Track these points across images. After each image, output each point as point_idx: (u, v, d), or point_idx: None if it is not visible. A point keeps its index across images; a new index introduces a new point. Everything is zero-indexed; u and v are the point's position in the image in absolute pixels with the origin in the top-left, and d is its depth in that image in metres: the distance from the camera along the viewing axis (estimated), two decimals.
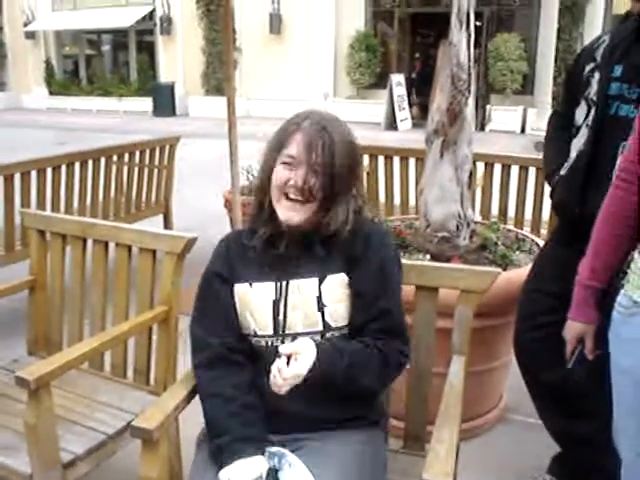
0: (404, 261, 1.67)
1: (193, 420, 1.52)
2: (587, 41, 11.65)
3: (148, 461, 1.46)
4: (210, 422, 1.49)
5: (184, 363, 1.56)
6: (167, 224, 5.00)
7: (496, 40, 13.26)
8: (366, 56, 14.78)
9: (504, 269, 2.42)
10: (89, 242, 2.22)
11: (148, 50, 18.17)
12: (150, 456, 1.46)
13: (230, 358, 1.52)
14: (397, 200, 4.14)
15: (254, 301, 1.53)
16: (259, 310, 1.52)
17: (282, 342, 1.49)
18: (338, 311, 1.50)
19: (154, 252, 2.07)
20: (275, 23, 15.63)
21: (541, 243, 2.75)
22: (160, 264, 2.05)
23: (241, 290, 1.55)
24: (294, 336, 1.49)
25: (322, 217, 1.50)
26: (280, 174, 1.48)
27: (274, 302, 1.51)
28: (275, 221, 1.52)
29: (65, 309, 2.31)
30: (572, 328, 1.76)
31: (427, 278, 1.73)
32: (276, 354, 1.42)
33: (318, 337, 1.48)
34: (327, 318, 1.49)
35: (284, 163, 1.48)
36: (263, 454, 1.39)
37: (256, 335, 1.52)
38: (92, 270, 2.22)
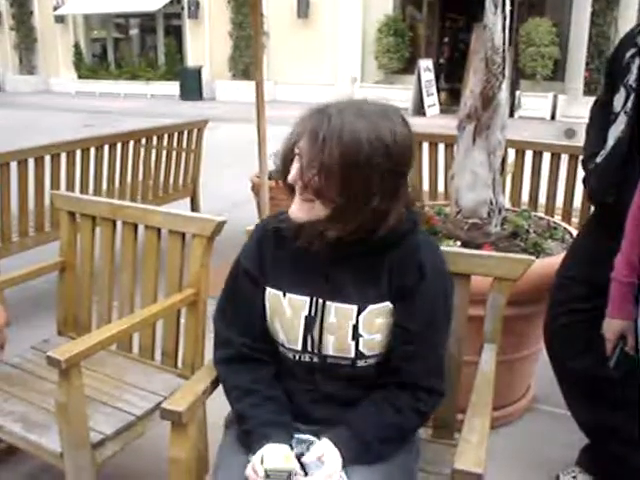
0: None
1: (218, 405, 1.52)
2: (621, 26, 11.40)
3: (177, 443, 1.46)
4: (236, 412, 1.47)
5: (212, 346, 1.55)
6: (194, 207, 5.02)
7: (527, 25, 13.04)
8: (394, 41, 14.63)
9: (536, 257, 2.37)
10: (119, 224, 2.22)
11: (175, 34, 18.19)
12: (179, 438, 1.46)
13: (251, 357, 1.46)
14: (425, 186, 4.09)
15: (286, 313, 1.43)
16: (290, 323, 1.43)
17: (310, 359, 1.42)
18: (374, 340, 1.39)
19: (183, 235, 2.07)
20: (303, 7, 15.54)
21: (573, 231, 2.70)
22: (189, 247, 2.05)
23: (273, 297, 1.45)
24: (324, 357, 1.41)
25: (342, 224, 1.33)
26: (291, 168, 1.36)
27: (306, 318, 1.41)
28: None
29: (94, 291, 2.33)
30: (612, 326, 1.72)
31: (459, 265, 1.70)
32: (303, 367, 1.41)
33: (348, 362, 1.40)
34: (361, 347, 1.39)
35: (295, 157, 1.34)
36: (292, 439, 1.37)
37: (284, 346, 1.45)
38: (121, 252, 2.23)
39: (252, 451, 1.36)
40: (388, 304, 1.39)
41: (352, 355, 1.40)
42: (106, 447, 1.82)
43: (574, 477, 2.19)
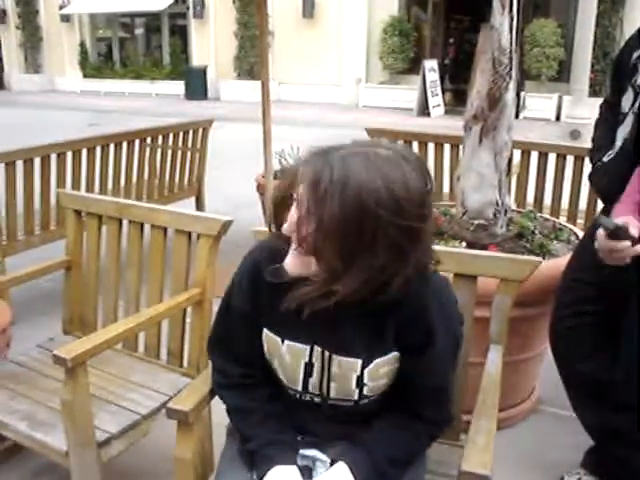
0: (442, 248, 1.64)
1: (222, 405, 1.52)
2: (627, 27, 11.36)
3: (183, 442, 1.47)
4: (239, 432, 1.44)
5: (210, 366, 1.55)
6: (199, 207, 5.02)
7: (532, 26, 13.01)
8: (399, 41, 14.61)
9: (542, 259, 2.37)
10: (125, 223, 2.23)
11: (181, 33, 18.21)
12: (185, 438, 1.46)
13: (250, 382, 1.43)
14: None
15: (285, 358, 1.36)
16: (289, 368, 1.36)
17: (311, 398, 1.37)
18: (378, 385, 1.33)
19: (189, 234, 2.07)
20: (308, 7, 15.53)
21: (579, 233, 2.70)
22: (195, 246, 2.05)
23: (271, 340, 1.37)
24: (325, 397, 1.36)
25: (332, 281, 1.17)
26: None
27: (306, 365, 1.34)
28: None
29: (100, 290, 2.33)
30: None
31: (466, 266, 1.70)
32: (305, 404, 1.38)
33: (351, 403, 1.35)
34: (365, 392, 1.33)
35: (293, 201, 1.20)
36: (297, 455, 1.35)
37: (283, 384, 1.40)
38: (127, 251, 2.23)
39: (257, 471, 1.34)
40: (395, 354, 1.31)
41: (355, 398, 1.34)
42: (111, 446, 1.82)
43: (579, 479, 2.19)
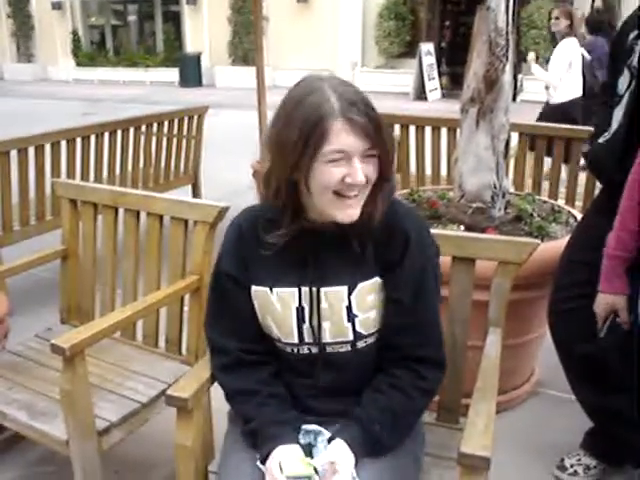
0: (441, 231, 1.64)
1: (222, 391, 1.51)
2: (625, 8, 11.30)
3: (183, 429, 1.46)
4: (241, 415, 1.44)
5: (208, 347, 1.54)
6: (195, 195, 5.01)
7: (529, 7, 12.92)
8: (395, 25, 14.52)
9: (540, 241, 2.36)
10: (120, 211, 2.21)
11: (174, 20, 18.09)
12: (185, 424, 1.46)
13: (249, 360, 1.43)
14: (428, 171, 4.07)
15: (276, 307, 1.38)
16: (282, 317, 1.38)
17: (309, 350, 1.39)
18: (370, 319, 1.37)
19: (186, 222, 2.06)
20: None
21: (577, 215, 2.69)
22: (192, 234, 2.04)
23: (260, 294, 1.40)
24: (322, 346, 1.38)
25: (365, 207, 1.30)
26: (330, 174, 1.23)
27: (297, 309, 1.37)
28: (303, 219, 1.33)
29: (97, 278, 2.32)
30: (602, 301, 1.74)
31: (464, 249, 1.69)
32: (302, 360, 1.39)
33: (348, 347, 1.38)
34: (358, 328, 1.36)
35: (331, 161, 1.22)
36: (299, 433, 1.35)
37: (280, 341, 1.41)
38: (124, 239, 2.22)
39: (260, 451, 1.34)
40: (377, 279, 1.36)
41: (350, 337, 1.37)
42: (112, 434, 1.82)
43: (579, 460, 2.20)
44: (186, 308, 2.10)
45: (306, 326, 1.38)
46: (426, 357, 1.39)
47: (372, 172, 1.26)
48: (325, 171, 1.23)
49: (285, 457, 1.29)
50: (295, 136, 1.21)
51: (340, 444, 1.31)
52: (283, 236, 1.34)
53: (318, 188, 1.25)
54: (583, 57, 5.28)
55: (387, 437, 1.34)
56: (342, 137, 1.20)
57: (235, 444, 1.45)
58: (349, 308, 1.35)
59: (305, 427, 1.36)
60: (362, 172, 1.23)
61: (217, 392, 1.66)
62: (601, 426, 2.16)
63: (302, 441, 1.34)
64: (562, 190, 3.63)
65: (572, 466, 2.18)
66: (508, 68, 2.47)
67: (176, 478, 1.51)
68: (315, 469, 1.27)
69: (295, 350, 1.41)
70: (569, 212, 2.77)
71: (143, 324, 2.20)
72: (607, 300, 1.73)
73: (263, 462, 1.33)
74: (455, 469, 1.31)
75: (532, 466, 2.25)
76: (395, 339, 1.38)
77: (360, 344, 1.39)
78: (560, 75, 5.17)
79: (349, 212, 1.27)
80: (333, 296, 1.36)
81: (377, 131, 1.23)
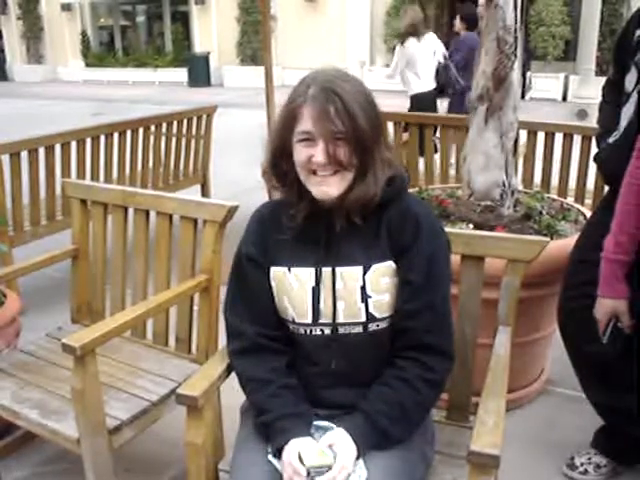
0: (450, 229, 1.63)
1: (232, 389, 1.52)
2: (634, 5, 11.22)
3: (193, 428, 1.47)
4: (253, 404, 1.46)
5: (225, 331, 1.55)
6: (205, 194, 5.02)
7: (538, 4, 12.85)
8: None
9: (550, 239, 2.36)
10: (130, 211, 2.22)
11: (183, 20, 18.12)
12: (195, 423, 1.47)
13: (265, 345, 1.46)
14: (437, 169, 4.07)
15: (293, 287, 1.44)
16: (298, 297, 1.43)
17: (322, 332, 1.42)
18: (383, 302, 1.40)
19: (195, 221, 2.07)
20: None
21: (587, 213, 2.68)
22: (201, 233, 2.05)
23: (278, 274, 1.45)
24: (335, 326, 1.41)
25: (356, 186, 1.37)
26: (300, 153, 1.36)
27: (313, 289, 1.42)
28: (309, 198, 1.41)
29: (107, 278, 2.34)
30: (602, 306, 1.73)
31: (473, 247, 1.69)
32: (315, 342, 1.41)
33: (360, 328, 1.41)
34: (371, 309, 1.40)
35: (301, 141, 1.35)
36: (311, 426, 1.37)
37: (294, 322, 1.45)
38: (133, 239, 2.23)
39: (272, 444, 1.35)
40: (391, 263, 1.40)
41: (363, 319, 1.40)
42: (122, 432, 1.83)
43: (589, 459, 2.19)
44: (196, 307, 2.11)
45: (321, 306, 1.41)
46: (433, 345, 1.40)
47: (343, 155, 1.33)
48: (297, 150, 1.37)
49: (304, 448, 1.30)
50: (282, 116, 1.39)
51: (341, 431, 1.32)
52: (295, 217, 1.43)
53: (297, 166, 1.38)
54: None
55: (394, 429, 1.35)
56: (308, 120, 1.33)
57: (248, 438, 1.45)
58: (363, 288, 1.39)
59: (316, 423, 1.37)
60: (324, 154, 1.32)
61: (227, 390, 1.67)
62: (611, 425, 2.15)
63: (314, 437, 1.34)
64: (572, 188, 3.62)
65: (582, 464, 2.18)
66: (517, 66, 2.46)
67: (187, 476, 1.52)
68: (335, 457, 1.28)
69: (308, 331, 1.44)
70: (578, 210, 2.76)
71: (153, 323, 2.21)
72: (608, 304, 1.72)
73: (275, 456, 1.35)
74: (465, 467, 1.30)
75: (542, 464, 2.24)
76: (405, 322, 1.40)
77: (372, 326, 1.41)
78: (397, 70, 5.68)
79: (323, 189, 1.36)
80: (348, 275, 1.40)
81: (343, 118, 1.31)
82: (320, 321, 1.42)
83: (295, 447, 1.31)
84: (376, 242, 1.41)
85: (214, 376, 1.52)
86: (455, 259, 1.64)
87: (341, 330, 1.42)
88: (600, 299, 1.72)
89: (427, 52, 5.55)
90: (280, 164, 1.42)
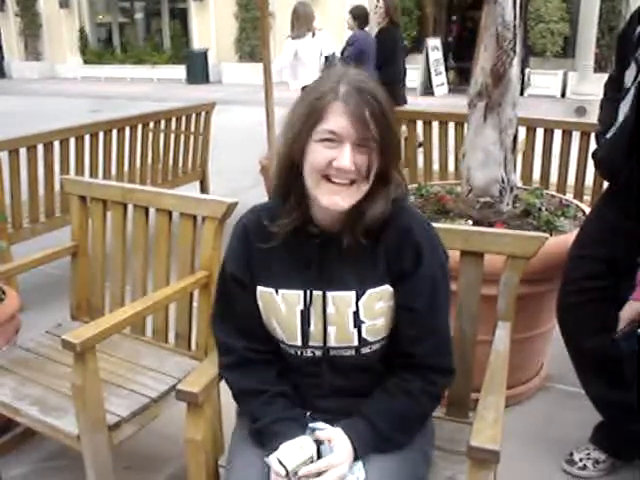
0: (449, 226, 1.63)
1: None
2: (632, 2, 11.22)
3: (193, 424, 1.47)
4: (247, 414, 1.44)
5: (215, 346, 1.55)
6: (204, 191, 5.02)
7: (536, 1, 12.84)
8: (402, 19, 14.43)
9: (549, 235, 2.36)
10: (129, 207, 2.22)
11: (181, 17, 18.07)
12: (195, 419, 1.47)
13: (254, 359, 1.42)
14: (436, 166, 4.06)
15: (281, 310, 1.37)
16: (286, 320, 1.37)
17: (313, 353, 1.38)
18: (377, 326, 1.34)
19: (194, 217, 2.07)
20: None
21: (586, 209, 2.68)
22: (200, 229, 2.05)
23: (265, 295, 1.38)
24: (326, 349, 1.37)
25: (361, 203, 1.27)
26: (318, 154, 1.23)
27: (302, 312, 1.35)
28: (303, 210, 1.32)
29: (107, 275, 2.33)
30: (633, 309, 1.73)
31: (472, 243, 1.69)
32: (307, 362, 1.38)
33: (352, 351, 1.36)
34: (364, 334, 1.34)
35: (323, 140, 1.22)
36: (305, 432, 1.35)
37: (284, 343, 1.40)
38: (133, 235, 2.23)
39: (266, 449, 1.33)
40: (388, 287, 1.33)
41: (355, 343, 1.35)
42: (122, 429, 1.83)
43: (588, 455, 2.19)
44: (195, 304, 2.11)
45: (311, 329, 1.36)
46: (437, 365, 1.39)
47: (364, 163, 1.24)
48: (316, 150, 1.24)
49: (283, 453, 1.27)
50: (303, 111, 1.25)
51: (338, 431, 1.30)
52: (285, 225, 1.32)
53: (309, 168, 1.26)
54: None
55: (393, 435, 1.34)
56: (337, 119, 1.21)
57: (243, 440, 1.44)
58: (356, 314, 1.33)
59: (312, 425, 1.36)
60: (351, 159, 1.22)
61: (226, 387, 1.67)
62: (610, 420, 2.16)
63: (313, 442, 1.33)
64: (570, 184, 3.62)
65: (581, 460, 2.18)
66: (516, 62, 2.46)
67: (186, 472, 1.52)
68: (316, 441, 1.28)
69: (299, 352, 1.40)
70: (577, 206, 2.76)
71: (153, 320, 2.22)
72: (638, 308, 1.73)
73: None
74: (465, 463, 1.31)
75: (541, 460, 2.25)
76: (409, 348, 1.36)
77: (364, 350, 1.37)
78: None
79: (335, 198, 1.25)
80: (340, 301, 1.34)
81: (378, 124, 1.22)
82: (310, 344, 1.37)
83: (277, 452, 1.28)
84: (372, 265, 1.33)
85: (214, 372, 1.52)
86: (454, 255, 1.64)
87: (332, 352, 1.38)
88: (632, 302, 1.73)
89: (314, 50, 5.58)
90: (293, 160, 1.29)
